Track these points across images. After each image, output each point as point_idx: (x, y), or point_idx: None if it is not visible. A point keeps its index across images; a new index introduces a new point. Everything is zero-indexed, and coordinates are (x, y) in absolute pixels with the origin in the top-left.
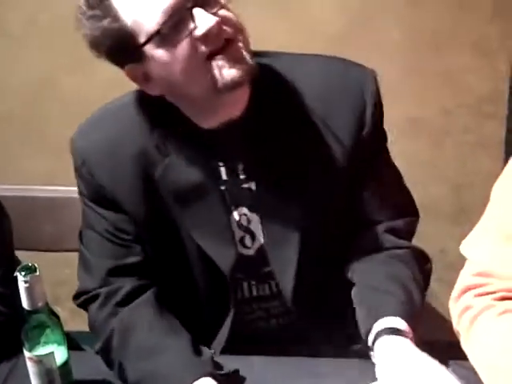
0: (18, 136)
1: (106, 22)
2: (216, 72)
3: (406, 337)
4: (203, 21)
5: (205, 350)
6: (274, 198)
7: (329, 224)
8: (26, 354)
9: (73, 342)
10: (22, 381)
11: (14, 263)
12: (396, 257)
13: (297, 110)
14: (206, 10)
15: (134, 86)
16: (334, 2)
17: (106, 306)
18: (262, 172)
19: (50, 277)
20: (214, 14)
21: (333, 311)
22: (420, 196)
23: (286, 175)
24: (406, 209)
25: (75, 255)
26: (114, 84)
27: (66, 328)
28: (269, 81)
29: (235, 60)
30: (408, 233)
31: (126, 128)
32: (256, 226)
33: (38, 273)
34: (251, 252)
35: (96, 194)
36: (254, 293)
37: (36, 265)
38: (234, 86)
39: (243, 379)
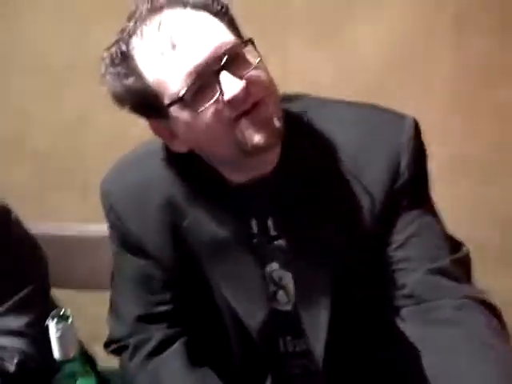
0: (54, 174)
1: (129, 81)
2: (241, 135)
3: None
4: (229, 86)
5: None
6: (305, 257)
7: (361, 284)
8: None
9: None
10: None
11: (50, 304)
12: (459, 308)
13: (329, 165)
14: (235, 73)
15: None
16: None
17: (135, 357)
18: (293, 230)
19: (90, 314)
20: (242, 76)
21: (369, 375)
22: (467, 237)
23: (315, 234)
24: (448, 248)
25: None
26: None
27: (107, 365)
28: (301, 132)
29: (261, 124)
30: (460, 272)
31: (152, 176)
32: (288, 282)
33: (70, 321)
34: (289, 307)
35: (124, 240)
36: (290, 348)
37: (69, 312)
38: (259, 150)
39: None
